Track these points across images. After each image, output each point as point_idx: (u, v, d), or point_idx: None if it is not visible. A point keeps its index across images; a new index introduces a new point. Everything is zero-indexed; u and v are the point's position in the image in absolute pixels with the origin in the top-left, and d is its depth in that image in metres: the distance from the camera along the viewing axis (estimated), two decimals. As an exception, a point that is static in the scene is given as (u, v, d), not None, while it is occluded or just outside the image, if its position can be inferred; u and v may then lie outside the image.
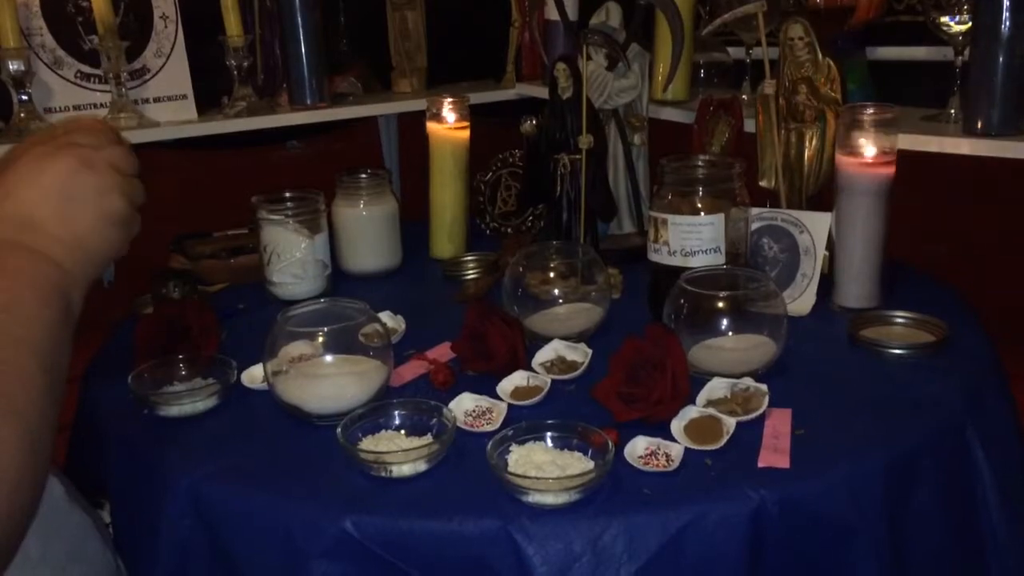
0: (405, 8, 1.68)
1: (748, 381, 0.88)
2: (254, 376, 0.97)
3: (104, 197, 0.69)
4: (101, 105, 1.35)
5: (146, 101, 1.39)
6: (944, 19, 1.14)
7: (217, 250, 1.32)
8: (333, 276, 1.26)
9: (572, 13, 1.52)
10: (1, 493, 0.51)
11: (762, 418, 0.83)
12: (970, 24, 1.10)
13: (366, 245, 1.32)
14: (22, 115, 1.24)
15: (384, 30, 1.71)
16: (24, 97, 1.24)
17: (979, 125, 1.06)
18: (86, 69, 1.34)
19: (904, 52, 1.31)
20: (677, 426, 0.81)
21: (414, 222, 1.41)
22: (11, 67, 1.21)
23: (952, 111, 1.16)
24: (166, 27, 1.40)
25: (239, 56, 1.42)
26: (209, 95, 1.48)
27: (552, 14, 1.52)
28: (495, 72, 1.80)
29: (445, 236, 1.40)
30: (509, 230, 1.52)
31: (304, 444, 0.84)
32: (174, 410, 0.90)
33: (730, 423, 0.80)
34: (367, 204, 1.31)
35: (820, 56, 1.12)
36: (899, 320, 1.03)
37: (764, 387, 0.86)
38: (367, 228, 1.32)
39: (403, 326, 1.10)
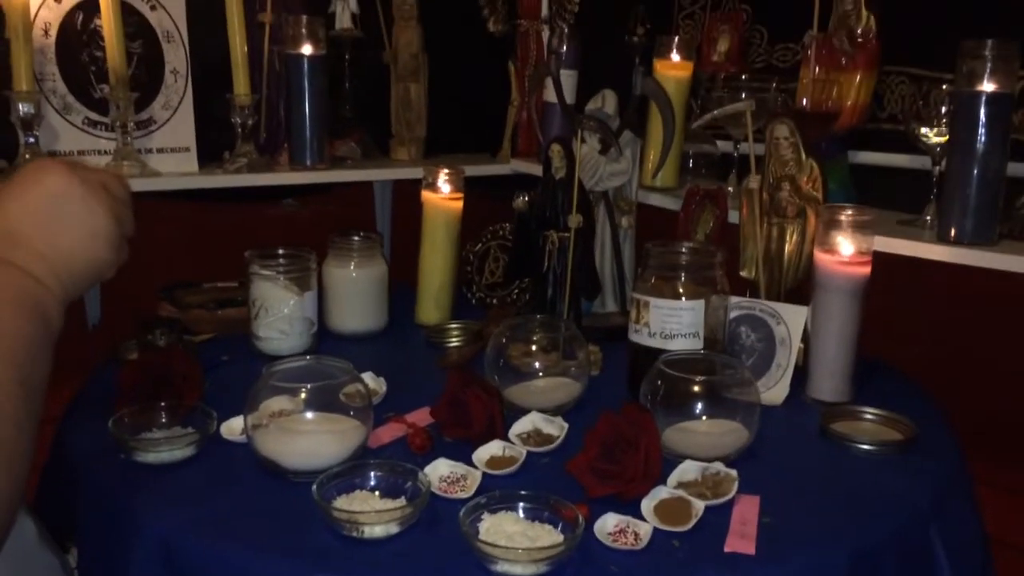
0: (409, 80, 1.73)
1: (719, 466, 0.89)
2: (233, 428, 0.98)
3: (91, 215, 0.70)
4: (105, 152, 1.37)
5: (149, 151, 1.41)
6: (923, 130, 1.19)
7: (205, 301, 1.34)
8: (318, 334, 1.28)
9: (569, 97, 1.57)
10: None
11: (731, 503, 0.84)
12: (947, 137, 1.15)
13: (354, 306, 1.34)
14: (27, 156, 1.26)
15: (387, 99, 1.76)
16: (31, 139, 1.27)
17: (952, 233, 1.10)
18: (94, 116, 1.37)
19: (884, 158, 1.36)
20: (647, 505, 0.82)
21: (401, 286, 1.43)
22: (21, 109, 1.24)
23: (928, 218, 1.20)
24: (176, 81, 1.44)
25: (244, 114, 1.46)
26: (211, 148, 1.52)
27: (550, 96, 1.58)
28: (491, 146, 1.85)
29: (432, 302, 1.43)
30: (494, 301, 1.55)
31: (279, 499, 0.85)
32: (151, 457, 0.91)
33: (699, 506, 0.82)
34: (357, 266, 1.34)
35: (804, 156, 1.16)
36: (869, 416, 1.06)
37: (734, 472, 0.88)
38: (356, 289, 1.34)
39: (384, 388, 1.12)
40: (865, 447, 0.99)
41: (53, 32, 1.33)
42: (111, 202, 0.72)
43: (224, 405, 0.99)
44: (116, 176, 0.77)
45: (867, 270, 1.10)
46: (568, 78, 1.58)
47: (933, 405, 1.14)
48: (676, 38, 1.46)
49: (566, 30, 1.64)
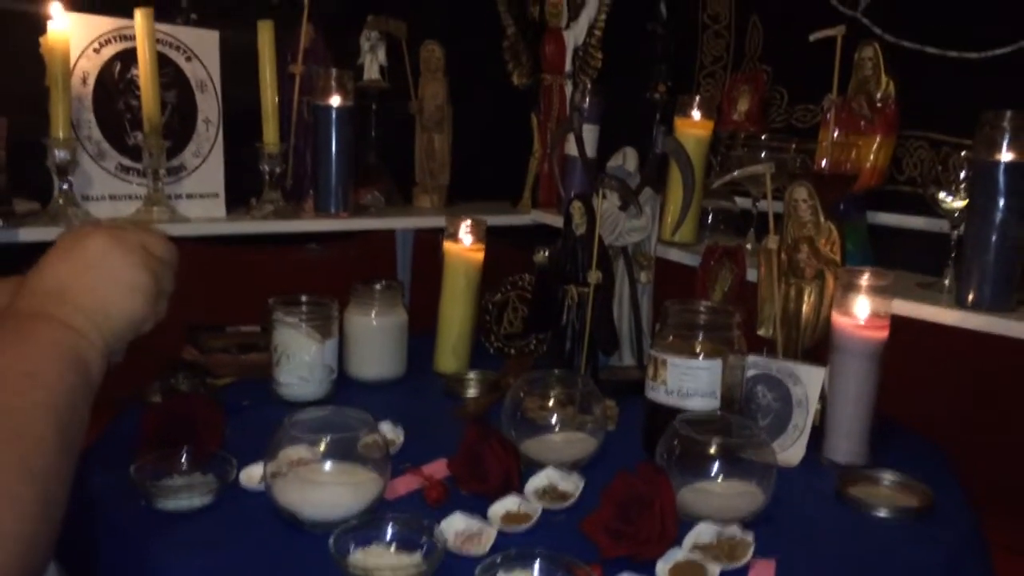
0: (433, 130, 1.77)
1: (735, 529, 0.89)
2: (252, 476, 0.99)
3: (130, 270, 0.74)
4: (136, 197, 1.41)
5: (179, 197, 1.45)
6: (942, 195, 1.20)
7: (228, 345, 1.36)
8: (338, 380, 1.29)
9: (591, 151, 1.60)
10: (14, 551, 0.54)
11: (746, 568, 0.84)
12: (966, 202, 1.16)
13: (374, 354, 1.36)
14: (60, 201, 1.30)
15: (411, 148, 1.79)
16: (65, 185, 1.30)
17: (970, 299, 1.11)
18: (127, 162, 1.41)
19: (903, 220, 1.38)
20: (662, 568, 0.82)
21: (420, 334, 1.44)
22: (57, 156, 1.28)
23: (946, 281, 1.21)
24: (207, 129, 1.48)
25: (273, 162, 1.49)
26: (238, 194, 1.55)
27: (572, 150, 1.60)
28: (512, 196, 1.88)
29: (450, 351, 1.44)
30: (512, 351, 1.56)
31: (295, 550, 0.85)
32: (170, 504, 0.92)
33: (714, 570, 0.82)
34: (379, 314, 1.35)
35: (822, 219, 1.18)
36: (886, 481, 1.05)
37: (750, 536, 0.88)
38: (376, 337, 1.35)
39: (402, 438, 1.13)
40: (881, 513, 0.98)
41: (91, 81, 1.37)
42: (148, 259, 0.76)
43: (244, 450, 1.00)
44: (159, 237, 0.80)
45: (885, 334, 1.10)
46: (590, 133, 1.61)
47: (949, 470, 1.13)
48: (697, 97, 1.48)
49: (589, 86, 1.67)
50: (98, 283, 0.72)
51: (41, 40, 1.29)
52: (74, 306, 0.70)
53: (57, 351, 0.66)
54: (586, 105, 1.62)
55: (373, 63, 1.71)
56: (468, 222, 1.43)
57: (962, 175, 1.19)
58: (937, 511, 0.99)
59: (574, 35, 1.75)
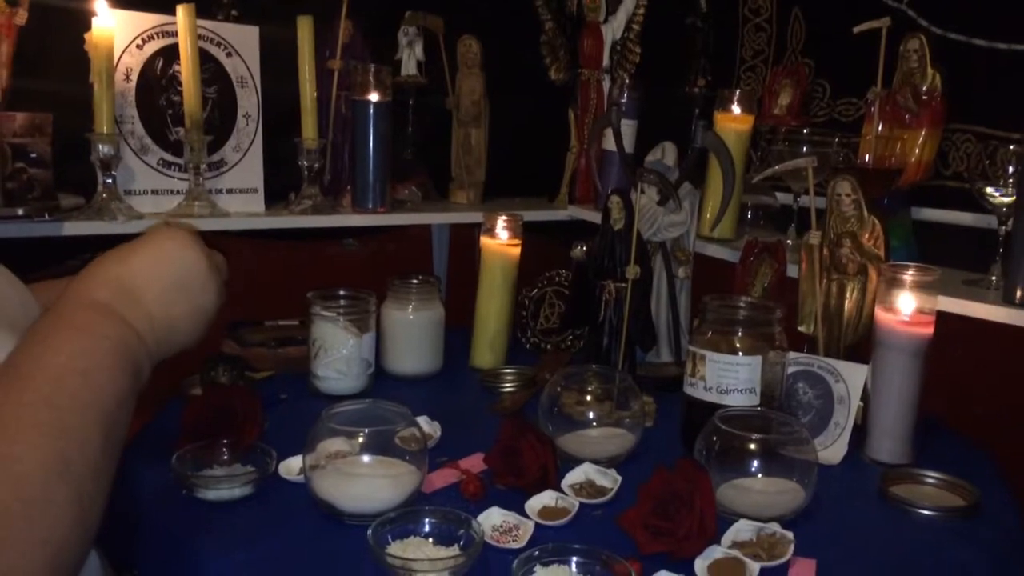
0: (470, 125, 1.76)
1: (775, 526, 0.88)
2: (291, 468, 1.00)
3: (205, 295, 0.75)
4: (178, 191, 1.42)
5: (219, 191, 1.46)
6: (989, 190, 1.18)
7: (267, 339, 1.37)
8: (375, 374, 1.30)
9: (629, 146, 1.58)
10: (48, 553, 0.54)
11: (786, 566, 0.83)
12: (1014, 197, 1.13)
13: (411, 348, 1.36)
14: (104, 195, 1.32)
15: (448, 143, 1.79)
16: (109, 180, 1.32)
17: (1018, 296, 1.08)
18: (168, 157, 1.42)
19: (949, 215, 1.35)
20: (701, 565, 0.82)
21: (456, 328, 1.45)
22: (101, 151, 1.30)
23: (993, 278, 1.18)
24: (247, 125, 1.49)
25: (311, 157, 1.50)
26: (277, 188, 1.56)
27: (609, 145, 1.59)
28: (548, 191, 1.87)
29: (486, 346, 1.44)
30: (548, 346, 1.55)
31: (333, 541, 0.86)
32: (211, 494, 0.93)
33: (754, 568, 0.81)
34: (415, 309, 1.36)
35: (866, 213, 1.16)
36: (930, 480, 1.04)
37: (790, 534, 0.87)
38: (413, 332, 1.36)
39: (439, 432, 1.13)
40: (926, 512, 0.97)
41: (134, 77, 1.39)
42: (220, 284, 0.77)
43: (282, 443, 1.01)
44: (220, 255, 0.82)
45: (930, 330, 1.08)
46: (628, 127, 1.60)
47: (995, 469, 1.11)
48: (737, 91, 1.46)
49: (627, 80, 1.66)
50: (177, 300, 0.72)
51: (86, 36, 1.31)
52: (146, 313, 0.70)
53: (116, 351, 0.65)
54: (624, 100, 1.61)
55: (410, 58, 1.71)
56: (505, 217, 1.44)
57: (1010, 169, 1.16)
58: (983, 511, 0.97)
59: (612, 29, 1.73)
